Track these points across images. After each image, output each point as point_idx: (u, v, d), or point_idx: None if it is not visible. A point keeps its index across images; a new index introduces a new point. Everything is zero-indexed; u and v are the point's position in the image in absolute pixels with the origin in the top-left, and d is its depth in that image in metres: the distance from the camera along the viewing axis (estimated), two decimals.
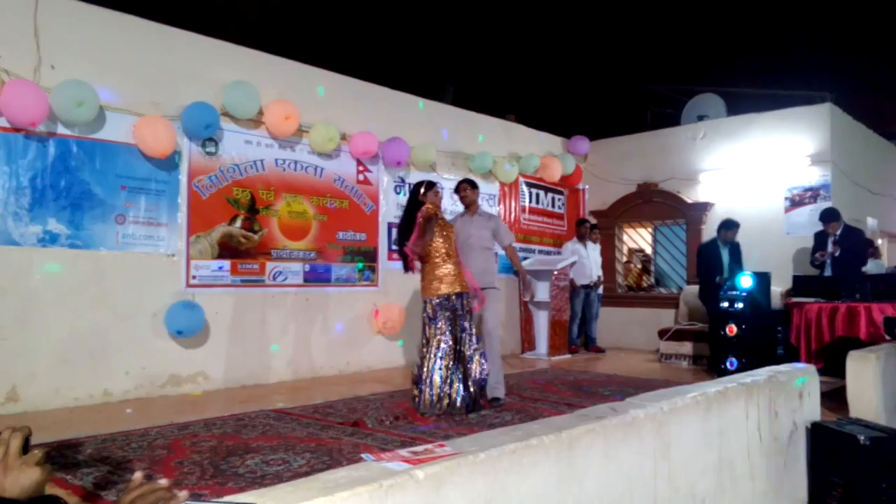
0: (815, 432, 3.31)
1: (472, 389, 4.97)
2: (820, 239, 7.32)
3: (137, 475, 0.99)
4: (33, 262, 5.06)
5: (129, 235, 5.54)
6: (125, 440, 4.04)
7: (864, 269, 7.82)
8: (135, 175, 5.58)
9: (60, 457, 3.64)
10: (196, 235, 5.94)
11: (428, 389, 4.89)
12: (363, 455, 1.59)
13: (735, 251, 7.54)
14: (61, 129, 5.19)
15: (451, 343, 4.96)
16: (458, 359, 4.98)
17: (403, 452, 1.63)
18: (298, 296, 6.71)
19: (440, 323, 4.97)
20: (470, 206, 5.77)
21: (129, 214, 5.53)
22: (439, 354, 4.93)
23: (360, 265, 7.26)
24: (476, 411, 4.96)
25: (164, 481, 0.99)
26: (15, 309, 4.96)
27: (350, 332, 7.12)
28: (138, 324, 5.58)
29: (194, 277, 5.91)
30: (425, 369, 4.93)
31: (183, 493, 0.97)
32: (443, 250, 5.09)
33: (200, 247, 5.97)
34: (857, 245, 7.20)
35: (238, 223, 6.24)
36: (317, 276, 6.86)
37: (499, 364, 5.44)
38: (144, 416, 4.87)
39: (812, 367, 3.61)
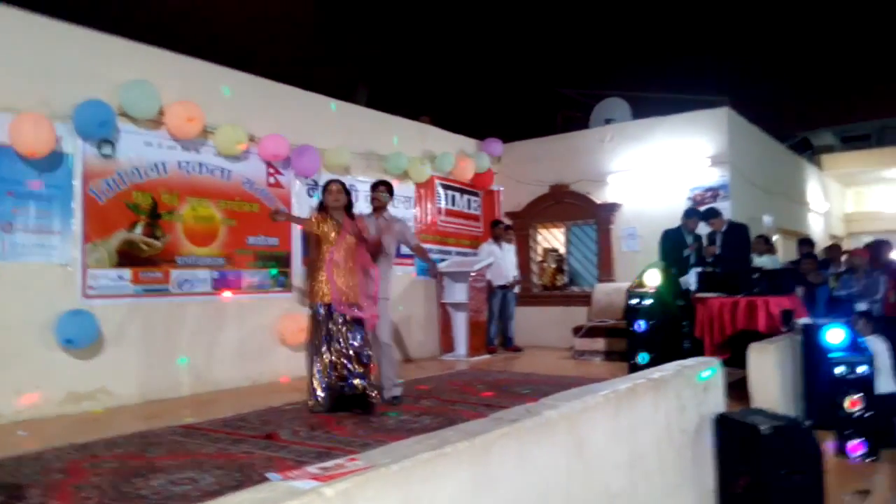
0: (721, 424, 3.43)
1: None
2: (711, 237, 7.61)
3: None
4: None
5: (17, 244, 5.15)
6: (16, 465, 3.75)
7: (757, 263, 8.26)
8: (23, 179, 5.20)
9: None
10: (93, 243, 5.60)
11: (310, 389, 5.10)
12: (268, 474, 1.51)
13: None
14: None
15: (321, 347, 5.08)
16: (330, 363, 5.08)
17: (312, 469, 1.55)
18: (207, 304, 6.44)
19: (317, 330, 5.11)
20: (381, 209, 5.70)
21: (16, 222, 5.15)
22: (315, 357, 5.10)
23: (274, 271, 7.06)
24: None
25: None
26: None
27: (263, 341, 6.89)
28: (30, 339, 5.20)
29: (91, 288, 5.56)
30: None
31: None
32: (325, 256, 5.13)
33: (98, 255, 5.63)
34: (743, 240, 7.53)
35: (139, 229, 5.92)
36: (226, 284, 6.61)
37: (395, 365, 5.67)
38: (39, 437, 4.54)
39: (716, 360, 3.75)
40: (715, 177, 8.78)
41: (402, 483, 1.61)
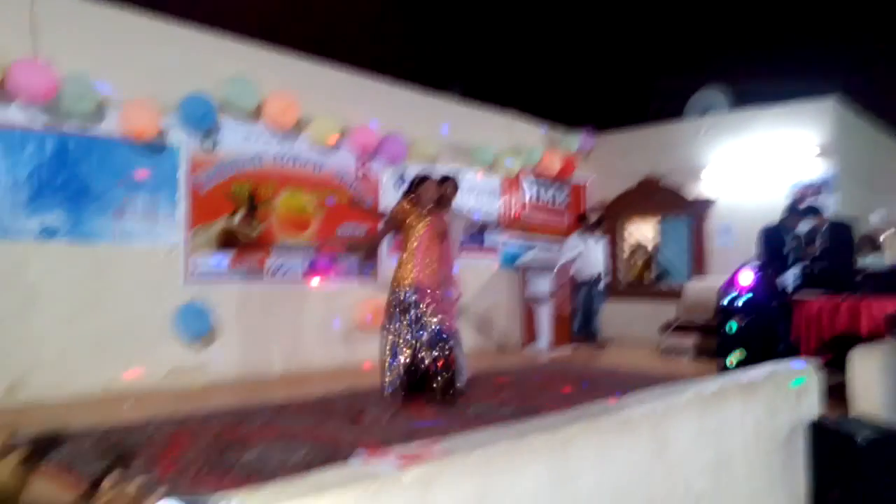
0: (815, 431, 3.28)
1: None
2: (811, 235, 7.25)
3: (107, 481, 0.97)
4: (32, 257, 5.06)
5: (128, 230, 5.53)
6: (124, 434, 4.05)
7: (862, 263, 7.78)
8: (133, 169, 5.57)
9: (58, 451, 3.65)
10: (195, 230, 5.94)
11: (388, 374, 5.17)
12: (351, 457, 1.58)
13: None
14: (60, 124, 5.17)
15: (402, 334, 5.16)
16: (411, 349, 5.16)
17: (393, 453, 1.61)
18: (298, 289, 6.70)
19: (395, 316, 5.20)
20: (448, 205, 5.73)
21: (127, 209, 5.53)
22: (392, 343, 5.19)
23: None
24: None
25: (136, 483, 0.97)
26: (15, 303, 4.97)
27: (350, 326, 7.11)
28: (139, 317, 5.59)
29: (193, 272, 5.91)
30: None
31: (160, 491, 0.95)
32: (415, 245, 5.22)
33: (200, 241, 5.97)
34: (845, 239, 7.12)
35: (237, 218, 6.23)
36: (317, 270, 6.85)
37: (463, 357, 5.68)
38: (144, 409, 4.88)
39: (812, 366, 3.59)
40: (819, 171, 8.32)
41: (478, 472, 1.65)
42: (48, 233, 5.11)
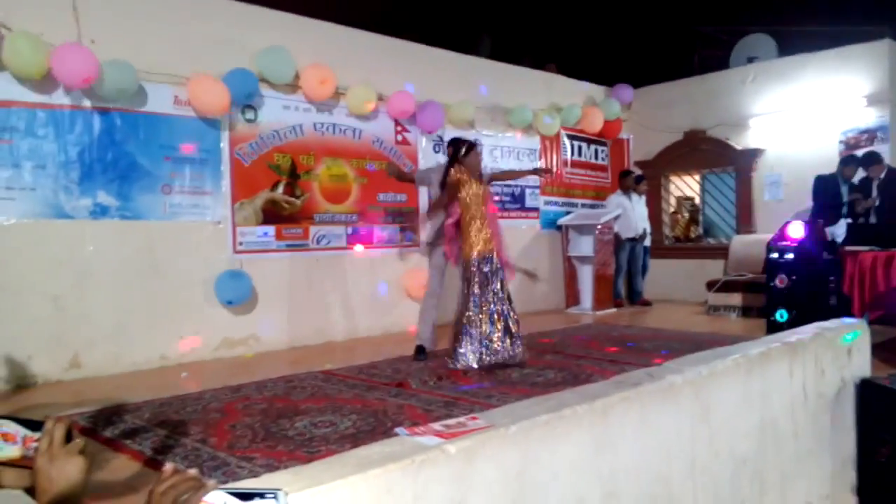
0: (864, 389, 3.24)
1: (507, 344, 5.11)
2: (864, 184, 7.00)
3: (168, 467, 1.04)
4: (86, 235, 5.24)
5: (175, 205, 5.68)
6: (181, 404, 4.22)
7: None
8: (178, 145, 5.69)
9: (121, 422, 3.84)
10: (240, 202, 6.05)
11: (468, 345, 5.05)
12: (396, 430, 1.63)
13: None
14: (105, 103, 5.29)
15: (485, 300, 5.12)
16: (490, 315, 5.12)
17: (436, 426, 1.66)
18: (342, 258, 6.81)
19: (474, 281, 5.13)
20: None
21: (174, 184, 5.66)
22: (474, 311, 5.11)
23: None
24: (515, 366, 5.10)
25: (193, 471, 1.03)
26: (72, 280, 5.18)
27: (393, 293, 7.21)
28: (189, 290, 5.76)
29: (241, 244, 6.05)
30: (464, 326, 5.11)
31: (212, 482, 1.01)
32: (472, 211, 5.18)
33: (245, 213, 6.08)
34: None
35: (280, 189, 6.32)
36: (359, 239, 6.94)
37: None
38: (199, 379, 5.07)
39: (862, 322, 3.51)
40: (872, 118, 7.99)
41: (520, 442, 1.69)
42: (101, 210, 5.28)
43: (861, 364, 3.41)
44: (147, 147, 5.50)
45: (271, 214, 6.26)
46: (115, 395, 4.47)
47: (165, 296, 5.63)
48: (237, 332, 6.04)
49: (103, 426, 3.77)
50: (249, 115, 6.12)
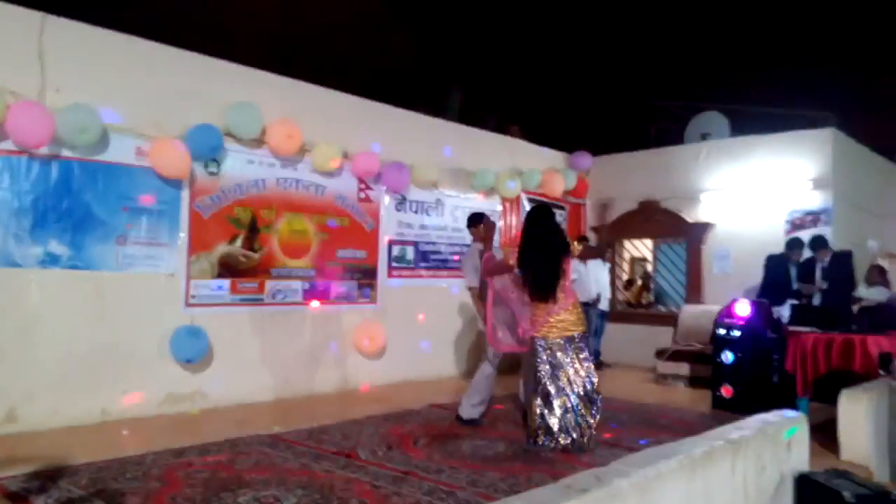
0: (802, 484, 3.33)
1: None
2: (808, 266, 7.29)
3: None
4: (33, 283, 5.11)
5: (129, 256, 5.58)
6: (121, 468, 4.08)
7: (864, 295, 7.82)
8: (137, 196, 5.62)
9: (56, 488, 3.69)
10: (196, 255, 5.98)
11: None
12: None
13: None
14: (64, 152, 5.23)
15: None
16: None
17: None
18: (297, 313, 6.75)
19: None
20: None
21: (130, 235, 5.58)
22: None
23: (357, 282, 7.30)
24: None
25: None
26: (15, 329, 5.02)
27: (347, 350, 7.16)
28: (137, 343, 5.63)
29: (193, 297, 5.95)
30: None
31: None
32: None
33: (200, 266, 6.01)
34: (846, 272, 7.16)
35: (238, 242, 6.28)
36: (316, 294, 6.90)
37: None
38: (141, 438, 4.92)
39: (802, 416, 3.63)
40: (817, 200, 8.37)
41: None
42: (51, 259, 5.16)
43: (800, 457, 3.51)
44: (105, 197, 5.43)
45: (228, 268, 6.20)
46: (51, 454, 4.30)
47: (111, 348, 5.49)
48: (183, 388, 5.90)
49: (37, 492, 3.62)
50: (212, 168, 6.11)
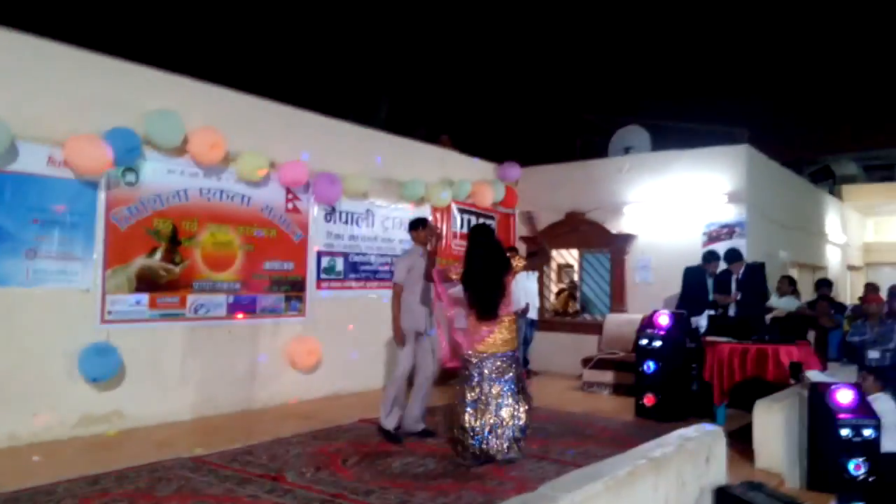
0: (720, 498, 3.46)
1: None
2: (724, 277, 7.60)
3: None
4: None
5: (40, 271, 5.29)
6: (29, 500, 3.86)
7: (776, 304, 8.24)
8: (49, 207, 5.34)
9: None
10: (113, 269, 5.72)
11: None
12: None
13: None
14: None
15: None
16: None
17: None
18: (221, 328, 6.55)
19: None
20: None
21: (40, 249, 5.28)
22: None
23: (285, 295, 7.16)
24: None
25: None
26: None
27: (274, 365, 6.99)
28: (49, 362, 5.33)
29: (110, 313, 5.69)
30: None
31: None
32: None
33: (117, 281, 5.75)
34: (758, 283, 7.50)
35: (158, 255, 6.04)
36: (241, 308, 6.72)
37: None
38: (53, 463, 4.66)
39: (720, 430, 3.78)
40: (731, 214, 8.76)
41: None
42: None
43: (717, 471, 3.65)
44: (13, 209, 5.12)
45: (147, 282, 5.95)
46: None
47: (21, 368, 5.18)
48: (98, 408, 5.62)
49: None
50: (130, 177, 5.86)
